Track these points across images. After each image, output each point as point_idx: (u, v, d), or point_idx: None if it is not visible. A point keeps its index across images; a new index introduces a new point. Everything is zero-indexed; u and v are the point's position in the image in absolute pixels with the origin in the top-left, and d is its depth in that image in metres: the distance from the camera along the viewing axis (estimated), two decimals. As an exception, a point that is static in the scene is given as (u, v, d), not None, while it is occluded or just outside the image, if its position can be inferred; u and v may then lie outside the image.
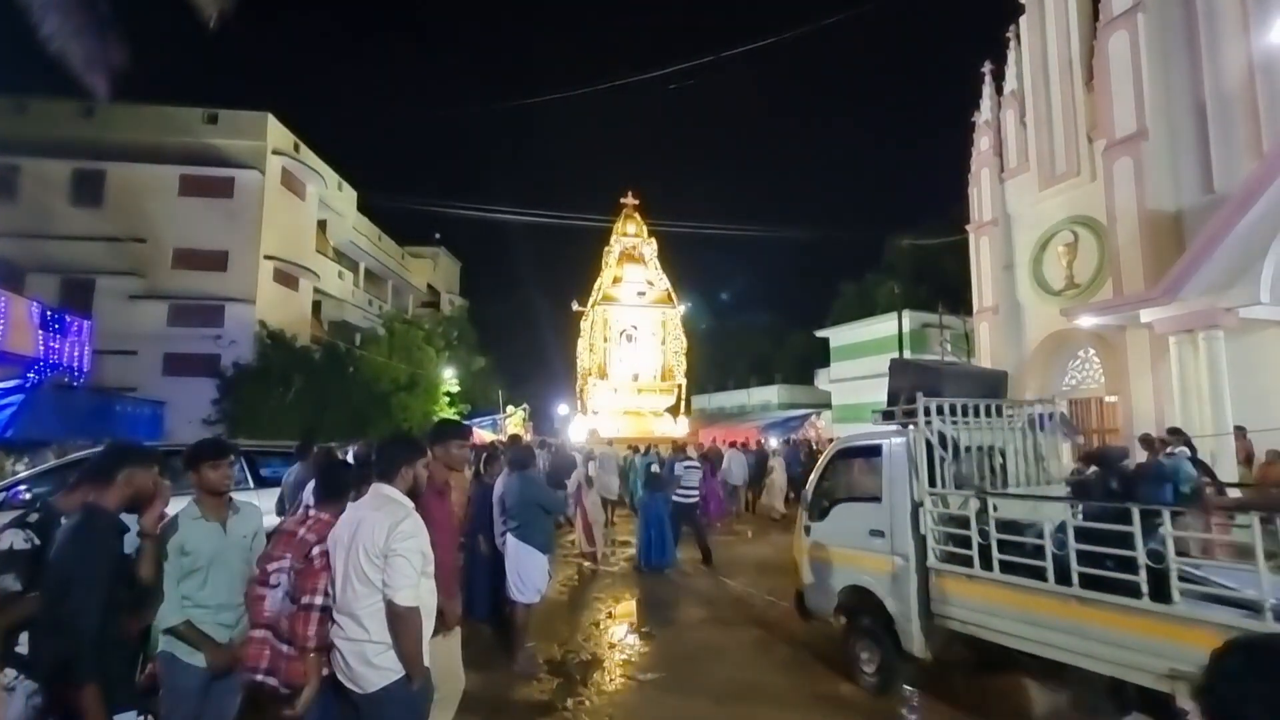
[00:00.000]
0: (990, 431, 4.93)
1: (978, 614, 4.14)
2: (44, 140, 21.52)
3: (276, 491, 6.33)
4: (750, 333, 43.72)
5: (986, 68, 15.46)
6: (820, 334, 30.11)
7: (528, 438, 25.64)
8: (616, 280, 23.60)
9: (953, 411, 4.76)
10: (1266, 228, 8.97)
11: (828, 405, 28.24)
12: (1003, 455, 4.96)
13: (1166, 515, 3.28)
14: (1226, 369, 9.63)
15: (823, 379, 31.35)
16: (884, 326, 23.77)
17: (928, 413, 4.62)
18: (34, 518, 2.71)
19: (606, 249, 24.13)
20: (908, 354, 21.09)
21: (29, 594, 2.49)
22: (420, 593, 2.58)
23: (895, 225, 37.59)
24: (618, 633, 6.47)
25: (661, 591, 7.98)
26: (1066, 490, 5.05)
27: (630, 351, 23.49)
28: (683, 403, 23.84)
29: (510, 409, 27.80)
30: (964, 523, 4.24)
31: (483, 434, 24.93)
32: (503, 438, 24.34)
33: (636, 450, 15.41)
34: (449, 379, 28.95)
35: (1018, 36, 14.61)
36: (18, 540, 2.60)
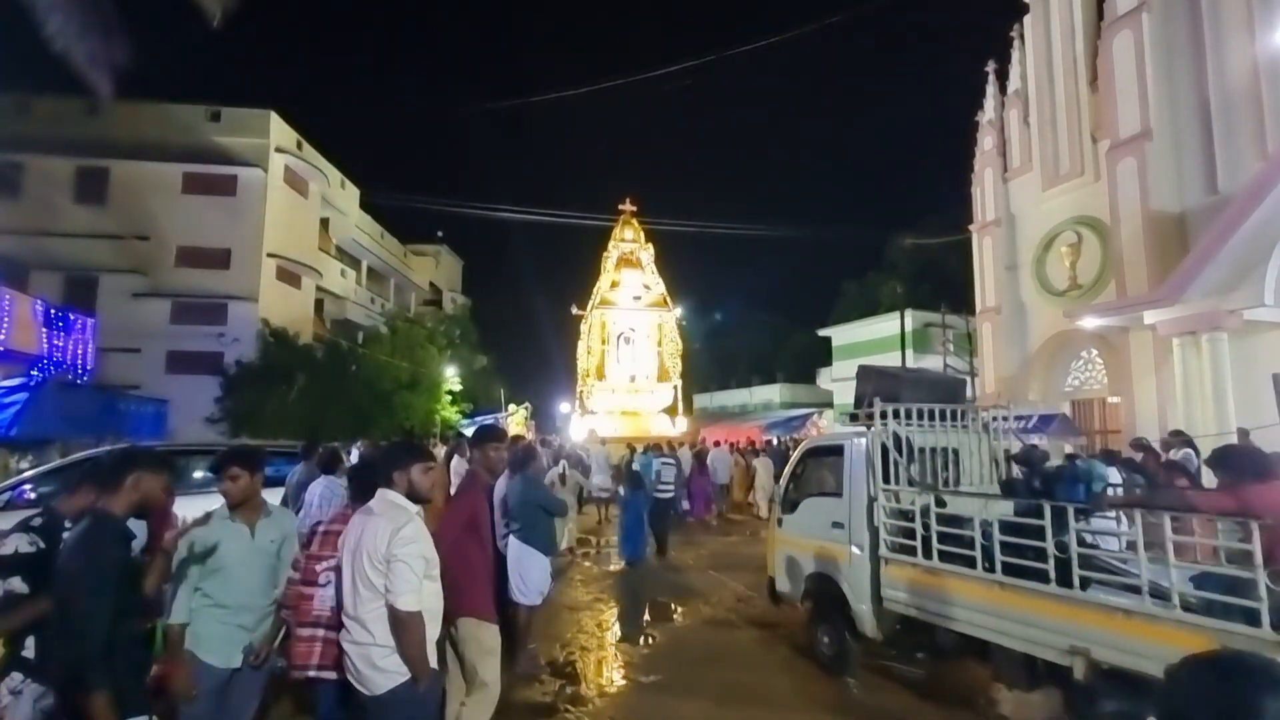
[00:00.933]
0: (946, 434, 5.29)
1: (920, 598, 4.51)
2: (48, 138, 21.56)
3: (278, 490, 6.35)
4: (752, 331, 43.68)
5: (990, 67, 15.43)
6: (822, 333, 30.10)
7: (530, 436, 25.67)
8: (614, 285, 24.41)
9: (909, 415, 5.10)
10: (1271, 230, 8.96)
11: (830, 404, 28.22)
12: (956, 455, 5.34)
13: (1071, 511, 3.59)
14: (1230, 371, 9.62)
15: (825, 378, 31.33)
16: (886, 326, 23.74)
17: (884, 416, 4.97)
18: (38, 521, 2.75)
19: (605, 254, 24.86)
20: (910, 354, 21.17)
21: (36, 597, 2.52)
22: (423, 596, 2.60)
23: (897, 224, 37.54)
24: (619, 634, 6.49)
25: (663, 592, 8.00)
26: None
27: (627, 353, 24.29)
28: (679, 403, 24.46)
29: (512, 408, 27.83)
30: (911, 516, 4.58)
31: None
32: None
33: (634, 449, 15.59)
34: (451, 378, 28.98)
35: (1021, 36, 14.59)
36: (23, 544, 2.64)
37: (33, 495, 6.44)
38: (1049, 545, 3.61)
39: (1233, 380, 9.62)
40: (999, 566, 3.93)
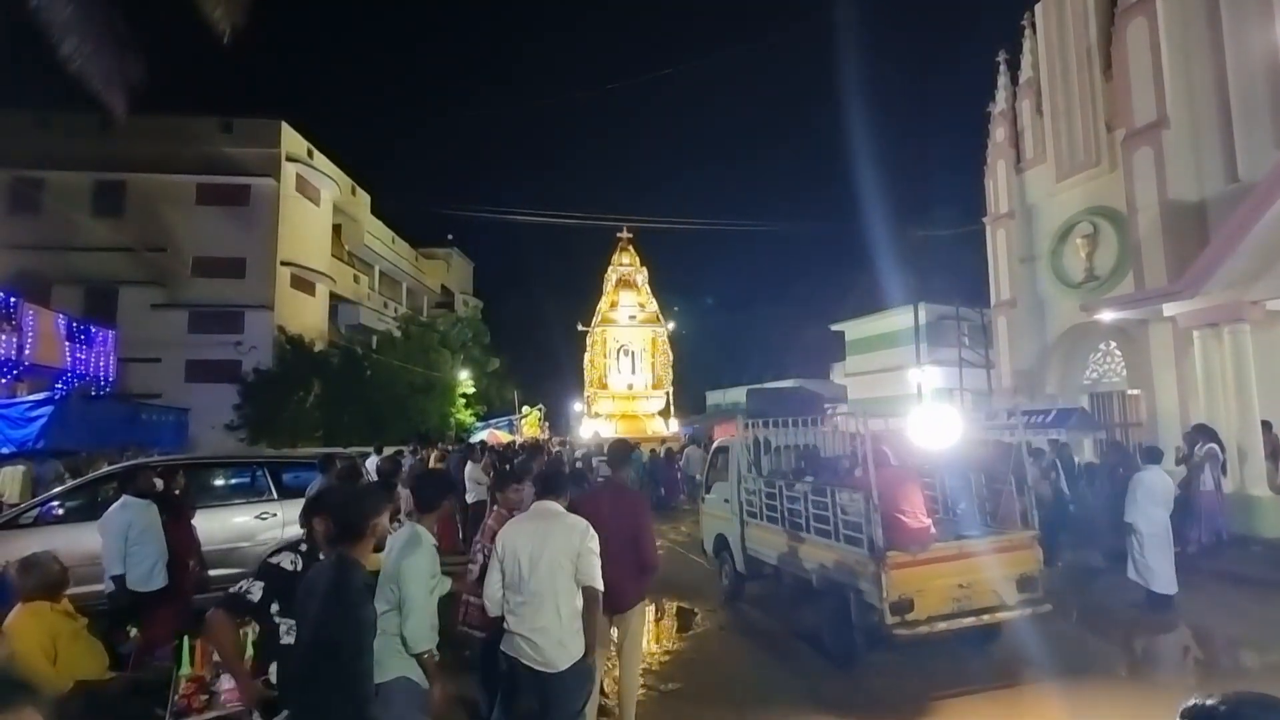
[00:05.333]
0: (805, 435, 7.26)
1: (759, 546, 6.80)
2: (66, 153, 21.94)
3: (298, 502, 6.42)
4: (764, 326, 43.49)
5: (1001, 56, 15.21)
6: (835, 327, 29.88)
7: (544, 438, 25.82)
8: (613, 304, 28.25)
9: (769, 424, 7.24)
10: (1294, 218, 8.76)
11: (844, 399, 28.04)
12: (806, 450, 7.30)
13: (809, 488, 5.93)
14: (1252, 363, 9.44)
15: (838, 373, 31.13)
16: (899, 319, 23.54)
17: (747, 425, 7.35)
18: (304, 546, 3.04)
19: (605, 277, 28.54)
20: (925, 347, 21.13)
21: (281, 613, 2.79)
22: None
23: (910, 216, 37.14)
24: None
25: (679, 596, 8.01)
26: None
27: (626, 365, 28.28)
28: (670, 406, 28.52)
29: (525, 409, 27.99)
30: (754, 492, 6.87)
31: (499, 435, 25.13)
32: (519, 439, 24.49)
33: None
34: (464, 380, 29.17)
35: (1033, 24, 14.36)
36: (286, 561, 2.91)
37: (60, 511, 6.57)
38: (802, 509, 5.87)
39: (1256, 373, 9.43)
40: (784, 523, 6.17)
